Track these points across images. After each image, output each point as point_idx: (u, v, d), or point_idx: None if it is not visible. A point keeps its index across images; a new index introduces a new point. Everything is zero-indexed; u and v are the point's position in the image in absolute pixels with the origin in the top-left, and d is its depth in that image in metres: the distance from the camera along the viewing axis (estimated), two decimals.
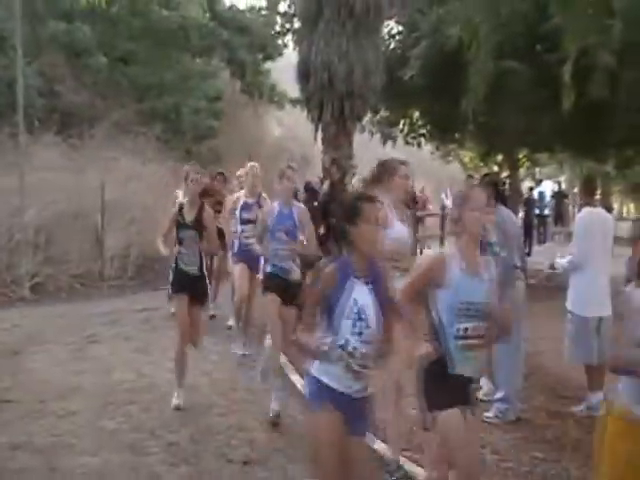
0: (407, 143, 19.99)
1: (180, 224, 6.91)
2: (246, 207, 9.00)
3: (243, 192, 9.23)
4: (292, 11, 25.95)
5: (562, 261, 7.12)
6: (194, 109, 20.73)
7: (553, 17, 11.13)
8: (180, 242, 6.97)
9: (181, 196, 8.74)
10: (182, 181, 7.69)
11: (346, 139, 11.94)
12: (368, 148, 22.00)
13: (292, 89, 20.35)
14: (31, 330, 10.22)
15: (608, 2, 9.18)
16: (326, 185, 11.70)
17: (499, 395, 6.62)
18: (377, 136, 19.59)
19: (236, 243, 9.02)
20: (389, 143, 19.90)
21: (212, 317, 10.70)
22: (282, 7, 28.04)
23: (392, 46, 17.11)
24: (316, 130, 12.13)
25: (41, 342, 9.47)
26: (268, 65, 25.95)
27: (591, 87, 11.64)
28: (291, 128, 27.90)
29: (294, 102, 22.99)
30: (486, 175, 8.83)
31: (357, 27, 11.59)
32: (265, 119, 27.47)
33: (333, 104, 11.64)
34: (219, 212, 9.24)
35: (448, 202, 21.95)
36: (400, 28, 17.39)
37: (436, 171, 30.14)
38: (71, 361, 8.56)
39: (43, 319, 11.07)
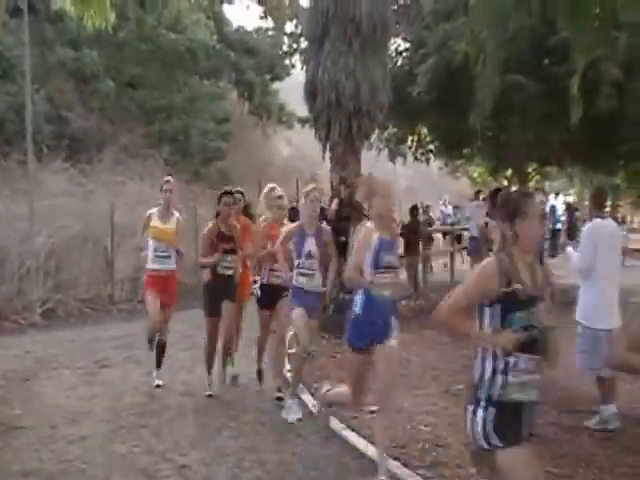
0: (416, 159, 19.96)
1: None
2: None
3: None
4: (299, 31, 26.12)
5: (573, 253, 7.06)
6: (202, 131, 20.80)
7: (560, 31, 11.13)
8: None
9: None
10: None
11: (354, 157, 11.88)
12: (376, 165, 22.02)
13: (300, 108, 20.37)
14: (42, 356, 10.22)
15: (614, 15, 9.15)
16: (334, 204, 11.66)
17: None
18: (385, 153, 19.59)
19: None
20: (398, 159, 19.89)
21: None
22: (289, 27, 28.27)
23: (399, 63, 17.15)
24: (324, 149, 12.09)
25: (52, 367, 9.48)
26: (276, 85, 26.08)
27: (599, 100, 11.62)
28: (299, 147, 27.95)
29: (302, 121, 23.05)
30: (497, 190, 8.78)
31: (364, 45, 11.57)
32: (273, 139, 27.53)
33: (341, 122, 11.60)
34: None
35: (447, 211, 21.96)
36: (407, 45, 17.44)
37: (445, 187, 30.11)
38: (82, 386, 8.54)
39: (54, 344, 11.06)
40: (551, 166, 20.92)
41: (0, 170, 15.42)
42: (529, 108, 13.44)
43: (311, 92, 11.80)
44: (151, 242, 8.34)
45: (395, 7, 15.91)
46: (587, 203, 28.82)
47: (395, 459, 5.77)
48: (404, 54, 17.43)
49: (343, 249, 11.36)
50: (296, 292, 7.00)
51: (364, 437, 6.30)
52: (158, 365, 8.51)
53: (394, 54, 17.13)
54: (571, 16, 8.07)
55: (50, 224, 14.20)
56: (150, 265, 8.42)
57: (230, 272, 7.81)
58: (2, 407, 7.61)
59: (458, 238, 21.09)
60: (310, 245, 6.96)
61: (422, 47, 15.07)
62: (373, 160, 18.88)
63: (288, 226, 7.45)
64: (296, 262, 7.01)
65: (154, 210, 8.43)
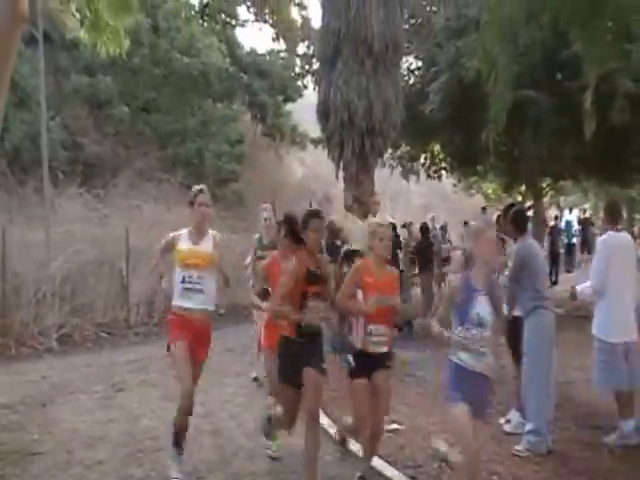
0: (429, 177, 19.94)
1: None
2: None
3: None
4: (311, 52, 26.31)
5: (583, 287, 6.98)
6: (216, 153, 20.88)
7: (572, 44, 11.10)
8: None
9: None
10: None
11: (367, 176, 11.90)
12: (388, 184, 22.01)
13: (313, 129, 20.44)
14: (59, 381, 10.22)
15: (627, 27, 9.11)
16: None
17: (529, 427, 6.43)
18: (398, 171, 19.59)
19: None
20: (411, 177, 19.88)
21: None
22: (301, 49, 28.52)
23: (411, 81, 17.19)
24: (337, 168, 12.12)
25: (68, 392, 9.47)
26: (288, 106, 26.21)
27: (612, 113, 11.56)
28: (313, 168, 28.02)
29: (315, 142, 23.12)
30: (511, 205, 8.72)
31: (376, 65, 11.64)
32: (287, 160, 27.62)
33: (354, 142, 11.65)
34: None
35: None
36: (419, 63, 17.48)
37: (458, 204, 30.04)
38: (98, 410, 8.52)
39: (70, 369, 11.07)
40: (565, 180, 20.82)
41: (17, 197, 15.54)
42: (542, 123, 13.40)
43: (324, 112, 11.85)
44: (178, 270, 6.24)
45: (407, 26, 15.96)
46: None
47: (412, 478, 5.70)
48: (416, 72, 17.47)
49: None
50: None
51: (380, 457, 6.23)
52: (177, 444, 6.12)
53: (406, 72, 17.18)
54: (583, 29, 8.04)
55: (66, 249, 14.26)
56: (177, 302, 6.25)
57: (316, 327, 5.67)
58: (19, 433, 7.60)
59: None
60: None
61: (434, 65, 15.08)
62: (386, 178, 18.89)
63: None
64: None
65: (183, 231, 6.47)
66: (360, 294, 5.59)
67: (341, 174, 12.25)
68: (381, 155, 12.58)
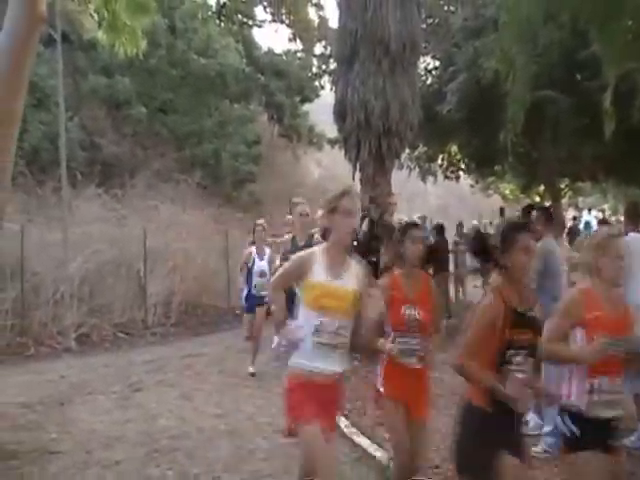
0: (446, 177, 19.87)
1: None
2: None
3: None
4: (328, 52, 26.30)
5: None
6: (233, 154, 20.91)
7: (591, 44, 11.02)
8: None
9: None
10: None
11: (384, 177, 11.85)
12: (406, 186, 21.94)
13: (330, 129, 20.42)
14: (77, 380, 10.26)
15: None
16: (365, 224, 11.62)
17: (548, 428, 6.37)
18: (415, 172, 19.53)
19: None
20: (429, 178, 19.81)
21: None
22: (318, 49, 28.52)
23: (429, 81, 17.14)
24: (354, 169, 12.08)
25: (87, 392, 9.50)
26: (305, 107, 26.21)
27: (632, 112, 11.46)
28: (330, 168, 28.00)
29: (332, 142, 23.10)
30: (529, 206, 8.67)
31: (393, 65, 11.58)
32: (304, 161, 27.62)
33: (370, 142, 11.59)
34: None
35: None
36: (437, 63, 17.43)
37: (476, 205, 29.92)
38: (116, 410, 8.54)
39: (88, 369, 11.11)
40: (584, 181, 20.68)
41: (35, 197, 15.64)
42: (561, 123, 13.31)
43: (340, 112, 11.82)
44: (305, 313, 4.25)
45: (424, 26, 15.91)
46: (622, 218, 28.46)
47: (428, 479, 5.67)
48: (434, 72, 17.42)
49: (374, 269, 11.33)
50: None
51: None
52: None
53: (423, 73, 17.13)
54: (602, 29, 8.00)
55: (84, 250, 14.33)
56: (303, 361, 4.25)
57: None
58: (38, 432, 7.64)
59: None
60: None
61: (452, 65, 15.03)
62: (404, 180, 18.83)
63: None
64: None
65: (317, 253, 4.32)
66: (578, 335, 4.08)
67: (358, 175, 12.20)
68: (398, 156, 12.52)
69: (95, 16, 15.13)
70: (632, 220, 7.04)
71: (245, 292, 10.44)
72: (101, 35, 9.63)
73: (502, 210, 19.91)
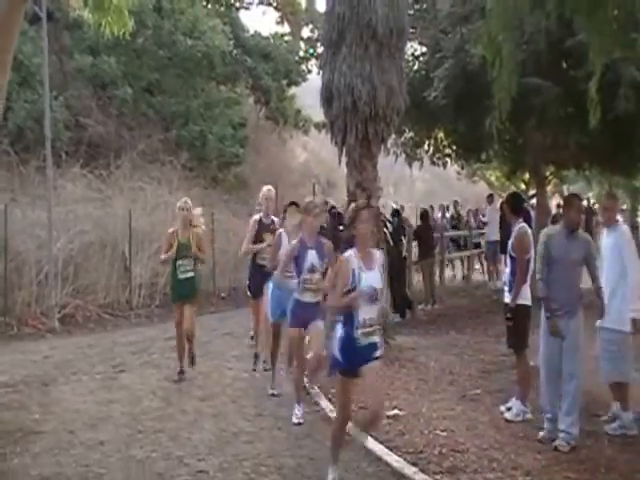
0: (433, 163, 19.89)
1: None
2: None
3: None
4: (315, 36, 26.18)
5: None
6: (219, 136, 20.83)
7: (577, 33, 11.05)
8: None
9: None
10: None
11: (370, 162, 11.81)
12: (393, 170, 21.99)
13: (316, 113, 20.41)
14: (60, 361, 10.28)
15: (632, 16, 9.08)
16: (351, 209, 11.63)
17: (568, 422, 6.31)
18: (402, 158, 19.52)
19: None
20: (415, 163, 19.81)
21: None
22: (305, 33, 28.39)
23: (416, 67, 17.09)
24: (340, 154, 12.02)
25: (71, 372, 9.52)
26: (292, 90, 26.14)
27: (618, 102, 11.52)
28: (316, 153, 28.00)
29: (319, 126, 23.06)
30: (513, 194, 8.73)
31: (380, 50, 11.51)
32: (290, 144, 27.59)
33: (357, 127, 11.53)
34: None
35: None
36: (424, 49, 17.37)
37: (462, 191, 30.03)
38: (100, 391, 8.57)
39: (72, 350, 11.12)
40: (569, 169, 20.76)
41: (19, 177, 15.55)
42: (546, 111, 13.34)
43: (327, 97, 11.76)
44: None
45: (411, 11, 15.86)
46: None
47: (413, 464, 5.75)
48: (421, 58, 17.36)
49: None
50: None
51: (381, 442, 6.28)
52: None
53: (410, 58, 17.07)
54: (588, 18, 8.02)
55: (68, 230, 14.30)
56: None
57: None
58: (21, 412, 7.65)
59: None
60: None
61: (439, 51, 15.00)
62: (390, 165, 18.86)
63: None
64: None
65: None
66: None
67: (344, 159, 12.18)
68: (384, 141, 12.47)
69: None
70: (616, 212, 7.15)
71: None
72: (87, 14, 9.56)
73: (490, 197, 19.97)
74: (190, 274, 8.98)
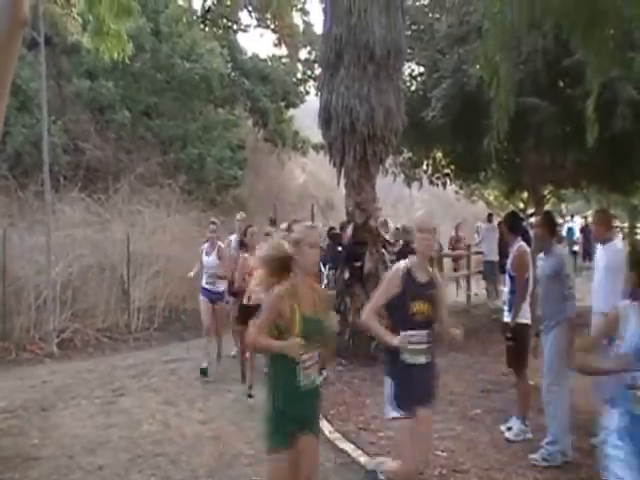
0: (431, 183, 19.91)
1: None
2: None
3: None
4: (313, 57, 26.33)
5: None
6: (218, 159, 20.86)
7: (574, 52, 11.11)
8: None
9: None
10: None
11: (369, 182, 11.83)
12: (391, 190, 22.01)
13: (315, 135, 20.46)
14: (59, 385, 10.20)
15: (629, 35, 9.13)
16: (350, 229, 11.64)
17: (550, 438, 6.38)
18: (400, 178, 19.56)
19: None
20: (414, 184, 19.83)
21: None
22: (303, 54, 28.55)
23: (414, 87, 17.17)
24: (339, 174, 12.05)
25: (69, 397, 9.46)
26: (290, 112, 26.23)
27: (615, 121, 11.56)
28: (315, 174, 28.05)
29: (317, 148, 23.12)
30: (512, 213, 8.74)
31: (378, 70, 11.57)
32: (289, 166, 27.64)
33: (355, 148, 11.57)
34: None
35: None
36: (421, 69, 17.47)
37: (461, 211, 30.04)
38: (99, 415, 8.51)
39: (71, 374, 11.05)
40: (567, 188, 20.80)
41: (17, 201, 15.54)
42: (544, 130, 13.38)
43: (325, 118, 11.81)
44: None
45: (408, 32, 15.95)
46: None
47: None
48: (418, 78, 17.45)
49: (359, 274, 11.37)
50: None
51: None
52: None
53: (408, 79, 17.16)
54: (585, 37, 8.06)
55: (67, 254, 14.26)
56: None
57: None
58: (20, 437, 7.60)
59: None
60: None
61: (436, 71, 15.08)
62: (389, 185, 18.88)
63: None
64: None
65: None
66: None
67: (342, 180, 12.20)
68: (382, 161, 12.50)
69: (79, 19, 15.09)
70: (607, 228, 7.13)
71: None
72: (86, 39, 9.59)
73: (490, 216, 19.95)
74: None
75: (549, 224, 6.91)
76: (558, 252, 6.71)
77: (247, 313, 8.46)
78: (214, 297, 10.80)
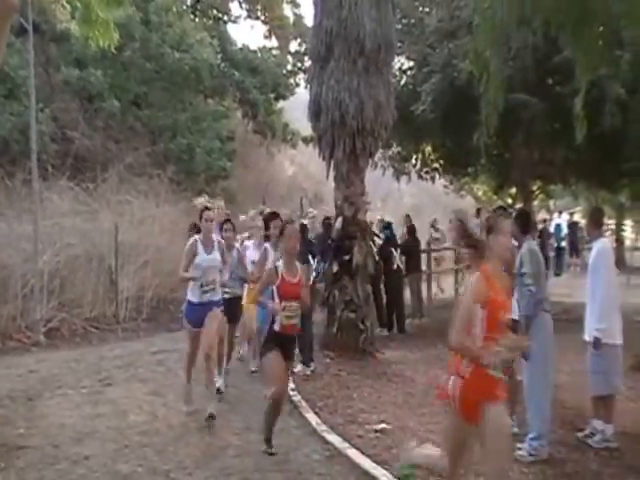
0: (420, 177, 19.97)
1: None
2: None
3: None
4: (303, 50, 26.30)
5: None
6: (207, 150, 20.84)
7: (563, 49, 11.17)
8: None
9: None
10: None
11: (358, 176, 11.85)
12: (380, 184, 22.04)
13: (304, 127, 20.46)
14: (46, 375, 10.17)
15: (617, 34, 9.19)
16: (339, 223, 11.66)
17: (533, 433, 6.42)
18: (390, 172, 19.61)
19: None
20: (402, 177, 19.89)
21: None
22: (293, 47, 28.52)
23: (403, 81, 17.21)
24: (328, 167, 12.06)
25: (56, 387, 9.42)
26: (280, 104, 26.21)
27: (603, 118, 11.64)
28: (304, 166, 28.04)
29: (306, 140, 23.12)
30: (500, 208, 8.76)
31: (367, 64, 11.58)
32: (278, 158, 27.63)
33: (345, 141, 11.57)
34: None
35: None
36: (411, 63, 17.50)
37: (450, 205, 30.11)
38: (86, 405, 8.49)
39: (58, 364, 11.02)
40: (556, 184, 20.92)
41: (5, 189, 15.45)
42: (533, 126, 13.46)
43: (315, 111, 11.81)
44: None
45: (399, 26, 15.96)
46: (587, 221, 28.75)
47: (399, 478, 5.72)
48: (408, 73, 17.49)
49: (347, 268, 11.39)
50: None
51: (369, 457, 6.26)
52: None
53: (398, 73, 17.18)
54: (574, 35, 8.11)
55: (55, 243, 14.21)
56: None
57: None
58: (6, 427, 7.57)
59: None
60: None
61: (426, 66, 15.12)
62: (378, 179, 18.90)
63: None
64: None
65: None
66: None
67: (332, 173, 12.21)
68: (372, 155, 12.52)
69: (67, 7, 15.03)
70: (597, 226, 7.18)
71: None
72: (74, 27, 9.58)
73: (479, 211, 19.98)
74: None
75: (522, 221, 6.97)
76: (523, 250, 6.74)
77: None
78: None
